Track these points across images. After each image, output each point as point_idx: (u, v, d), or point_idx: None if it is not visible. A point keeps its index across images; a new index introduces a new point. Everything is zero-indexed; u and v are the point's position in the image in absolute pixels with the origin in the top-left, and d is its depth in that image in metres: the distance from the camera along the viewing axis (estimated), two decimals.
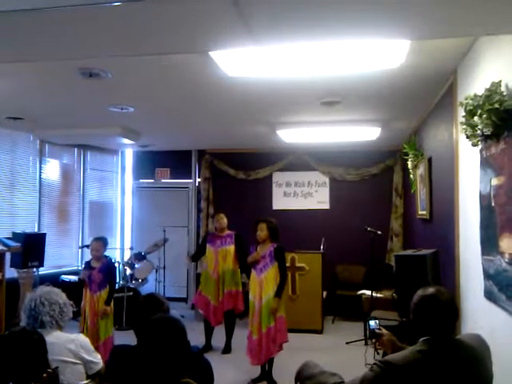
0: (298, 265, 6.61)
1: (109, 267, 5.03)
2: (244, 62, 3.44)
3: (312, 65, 3.50)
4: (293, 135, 6.31)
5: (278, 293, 4.62)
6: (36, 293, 2.68)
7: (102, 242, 5.04)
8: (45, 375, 2.01)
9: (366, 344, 5.71)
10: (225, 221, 5.90)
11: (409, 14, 2.11)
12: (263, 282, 4.63)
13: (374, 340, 2.47)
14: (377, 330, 2.42)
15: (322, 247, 6.76)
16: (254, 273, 4.76)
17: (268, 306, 4.57)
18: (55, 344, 2.53)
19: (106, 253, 5.91)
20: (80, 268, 7.64)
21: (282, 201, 8.09)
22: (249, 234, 4.86)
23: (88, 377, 2.63)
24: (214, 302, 5.74)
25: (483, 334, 2.10)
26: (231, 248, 5.79)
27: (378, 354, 5.12)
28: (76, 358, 2.57)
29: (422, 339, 1.89)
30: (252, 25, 2.21)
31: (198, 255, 6.16)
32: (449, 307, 1.91)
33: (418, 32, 2.41)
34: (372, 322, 2.49)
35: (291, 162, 7.95)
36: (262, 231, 4.73)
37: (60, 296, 2.71)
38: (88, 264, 5.05)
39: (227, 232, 5.89)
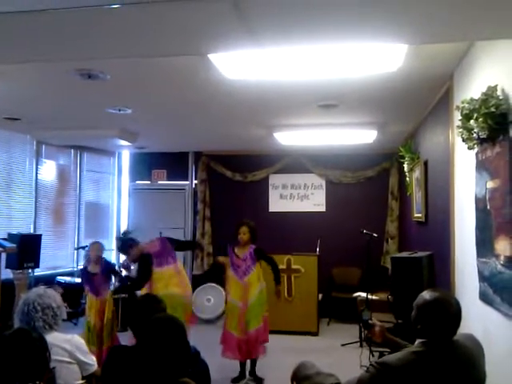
0: (293, 267, 6.62)
1: (108, 268, 5.03)
2: (242, 64, 3.45)
3: (310, 68, 3.52)
4: (290, 138, 6.33)
5: (278, 280, 4.80)
6: (29, 296, 2.63)
7: (101, 244, 5.03)
8: (46, 374, 2.01)
9: (362, 346, 5.72)
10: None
11: (407, 19, 2.13)
12: (248, 286, 4.63)
13: (366, 331, 2.66)
14: (369, 321, 2.55)
15: (317, 249, 6.78)
16: (234, 276, 4.72)
17: (255, 308, 4.61)
18: (52, 344, 2.52)
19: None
20: (76, 269, 7.63)
21: (278, 203, 8.11)
22: None
23: (83, 377, 2.63)
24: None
25: (477, 335, 2.11)
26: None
27: (373, 356, 5.15)
28: (71, 357, 2.58)
29: (419, 341, 1.91)
30: (252, 27, 2.22)
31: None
32: (455, 318, 1.89)
33: (416, 36, 2.44)
34: (364, 314, 2.68)
35: (288, 164, 7.96)
36: (245, 234, 4.69)
37: (53, 299, 2.66)
38: (85, 271, 4.92)
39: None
